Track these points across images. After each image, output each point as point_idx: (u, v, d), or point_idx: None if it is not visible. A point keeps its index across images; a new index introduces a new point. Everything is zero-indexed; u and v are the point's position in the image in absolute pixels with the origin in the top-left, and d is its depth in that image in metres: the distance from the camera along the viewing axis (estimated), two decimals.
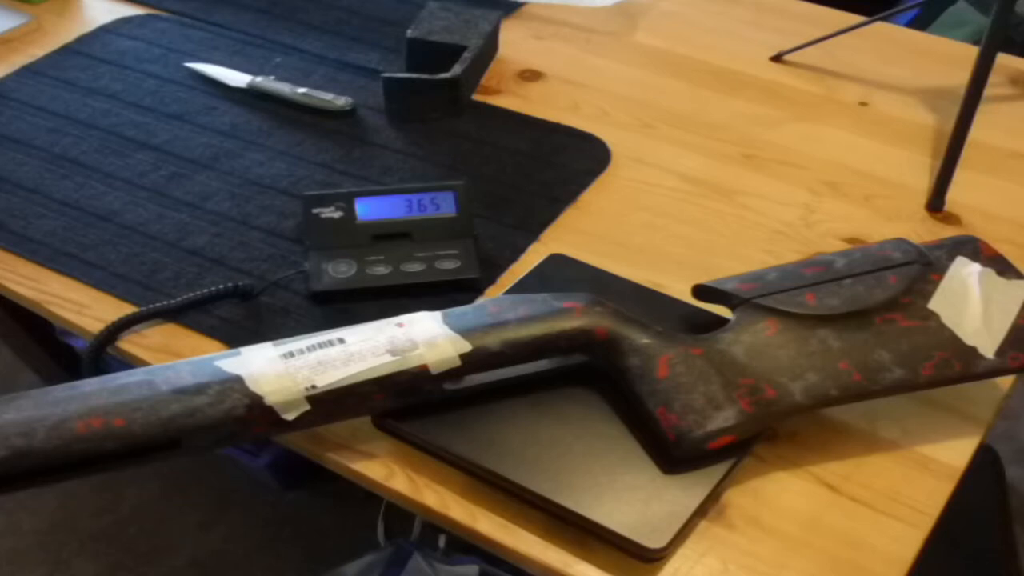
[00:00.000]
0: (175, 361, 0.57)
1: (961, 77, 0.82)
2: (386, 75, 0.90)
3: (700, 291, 0.66)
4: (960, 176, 0.81)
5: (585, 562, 0.56)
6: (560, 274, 0.71)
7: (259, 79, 0.93)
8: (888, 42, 1.01)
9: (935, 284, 0.63)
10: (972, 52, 0.84)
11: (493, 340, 0.59)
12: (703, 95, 0.93)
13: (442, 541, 1.17)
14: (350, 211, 0.74)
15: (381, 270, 0.72)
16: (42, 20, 1.05)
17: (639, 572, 0.55)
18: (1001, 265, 0.65)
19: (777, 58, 0.98)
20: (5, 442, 0.52)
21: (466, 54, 0.91)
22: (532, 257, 0.75)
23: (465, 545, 1.09)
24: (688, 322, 0.66)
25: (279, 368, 0.56)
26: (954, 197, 0.81)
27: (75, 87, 0.94)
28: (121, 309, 0.71)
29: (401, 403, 0.60)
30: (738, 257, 0.76)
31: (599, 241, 0.77)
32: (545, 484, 0.57)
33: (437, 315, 0.60)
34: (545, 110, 0.91)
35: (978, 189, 0.82)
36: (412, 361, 0.58)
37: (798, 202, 0.81)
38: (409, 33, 0.94)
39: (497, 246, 0.76)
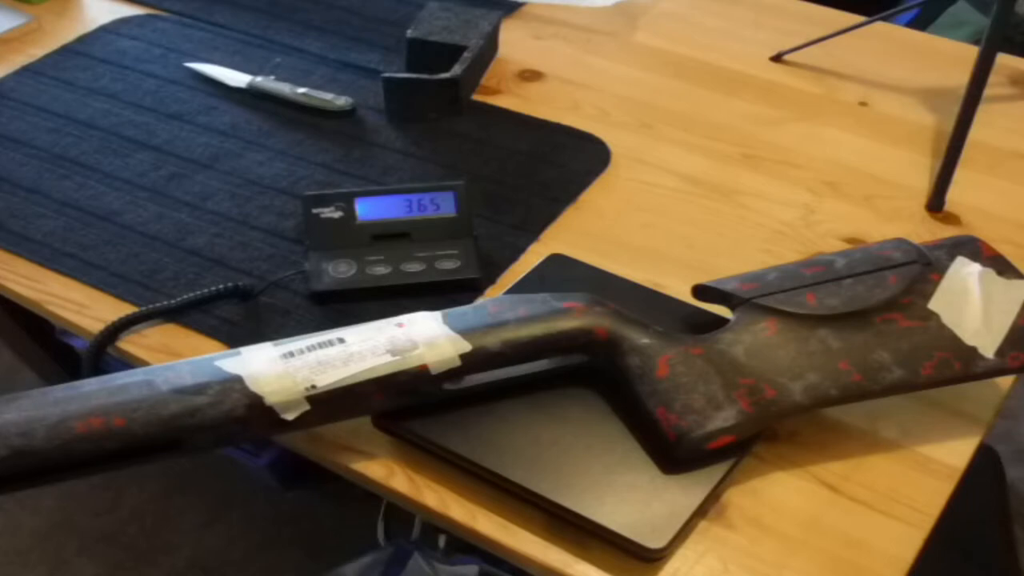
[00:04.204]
0: (175, 361, 0.57)
1: (961, 77, 0.82)
2: (386, 75, 0.90)
3: (700, 291, 0.66)
4: (960, 176, 0.81)
5: (585, 562, 0.56)
6: (560, 274, 0.71)
7: (259, 79, 0.93)
8: (888, 42, 1.01)
9: (935, 284, 0.63)
10: (972, 52, 0.84)
11: (493, 340, 0.59)
12: (703, 95, 0.93)
13: (442, 541, 1.17)
14: (350, 211, 0.74)
15: (381, 270, 0.72)
16: (42, 20, 1.05)
17: (639, 572, 0.55)
18: (1001, 265, 0.65)
19: (777, 58, 0.98)
20: (5, 442, 0.52)
21: (466, 54, 0.91)
22: (532, 257, 0.75)
23: (465, 545, 1.09)
24: (688, 322, 0.66)
25: (279, 368, 0.56)
26: (954, 197, 0.81)
27: (75, 87, 0.94)
28: (121, 309, 0.71)
29: (401, 403, 0.60)
30: (738, 257, 0.76)
31: (599, 241, 0.77)
32: (545, 484, 0.57)
33: (437, 315, 0.60)
34: (545, 110, 0.91)
35: (978, 189, 0.82)
36: (412, 361, 0.58)
37: (798, 202, 0.81)
38: (409, 33, 0.94)
39: (497, 246, 0.76)
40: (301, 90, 0.91)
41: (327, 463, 0.63)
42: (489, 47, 0.96)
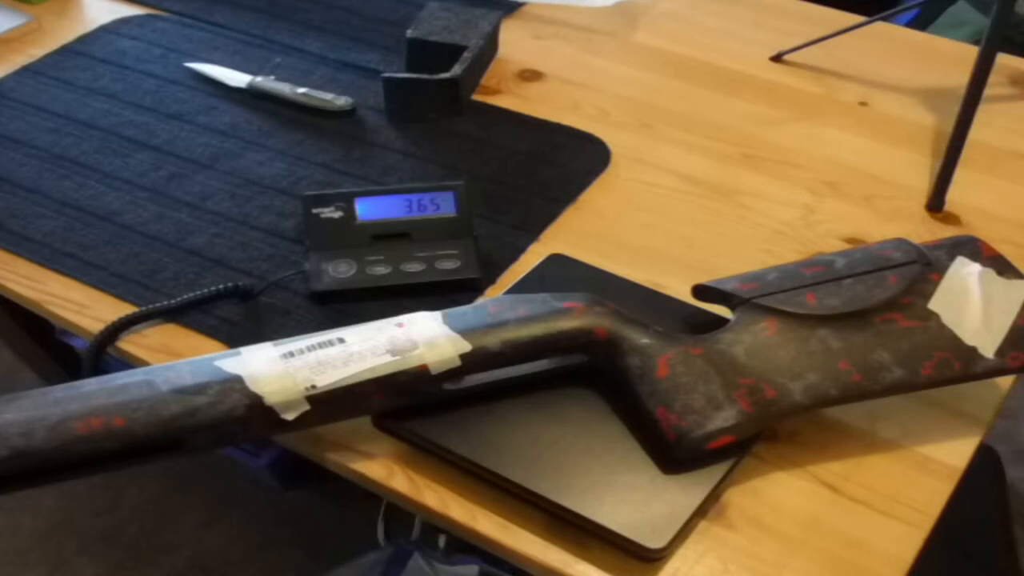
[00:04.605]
0: (175, 361, 0.57)
1: (961, 77, 0.82)
2: (386, 75, 0.90)
3: (700, 291, 0.66)
4: (960, 176, 0.81)
5: (585, 562, 0.56)
6: (560, 274, 0.71)
7: (259, 79, 0.93)
8: (888, 42, 1.01)
9: (935, 284, 0.63)
10: (972, 52, 0.84)
11: (493, 340, 0.59)
12: (703, 95, 0.93)
13: (442, 541, 1.17)
14: (350, 211, 0.74)
15: (381, 270, 0.72)
16: (42, 20, 1.05)
17: (639, 572, 0.55)
18: (1001, 265, 0.65)
19: (777, 58, 0.98)
20: (5, 442, 0.52)
21: (466, 54, 0.91)
22: (532, 257, 0.75)
23: (465, 545, 1.09)
24: (688, 322, 0.66)
25: (279, 368, 0.56)
26: (954, 197, 0.81)
27: (75, 87, 0.94)
28: (121, 309, 0.71)
29: (401, 403, 0.60)
30: (738, 257, 0.76)
31: (599, 241, 0.77)
32: (545, 484, 0.57)
33: (437, 315, 0.60)
34: (545, 110, 0.91)
35: (978, 189, 0.82)
36: (412, 361, 0.58)
37: (798, 202, 0.81)
38: (409, 33, 0.94)
39: (497, 246, 0.76)
40: (301, 90, 0.91)
41: (327, 463, 0.63)
42: (489, 47, 0.96)
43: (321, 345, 0.58)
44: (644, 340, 0.60)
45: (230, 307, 0.71)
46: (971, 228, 0.78)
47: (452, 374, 0.59)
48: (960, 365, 0.61)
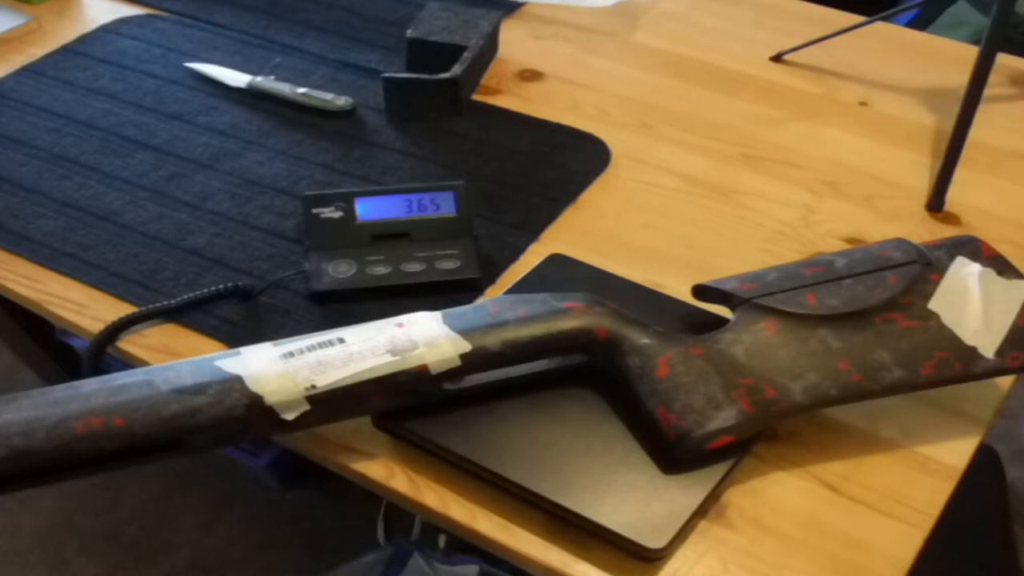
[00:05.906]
0: (175, 361, 0.57)
1: (961, 77, 0.82)
2: (386, 75, 0.90)
3: (700, 291, 0.66)
4: (960, 176, 0.81)
5: (585, 562, 0.56)
6: (560, 274, 0.71)
7: (259, 79, 0.93)
8: (888, 42, 1.01)
9: (935, 284, 0.63)
10: (972, 52, 0.84)
11: (493, 340, 0.59)
12: (703, 95, 0.93)
13: (442, 541, 1.17)
14: (350, 211, 0.74)
15: (381, 270, 0.72)
16: (42, 20, 1.05)
17: (639, 572, 0.55)
18: (1001, 265, 0.65)
19: (777, 58, 0.98)
20: (5, 442, 0.52)
21: (466, 54, 0.91)
22: (532, 257, 0.75)
23: (465, 545, 1.09)
24: (688, 322, 0.66)
25: (279, 368, 0.56)
26: (954, 197, 0.81)
27: (75, 87, 0.94)
28: (121, 309, 0.71)
29: (401, 403, 0.60)
30: (738, 257, 0.76)
31: (599, 241, 0.77)
32: (545, 484, 0.57)
33: (437, 315, 0.60)
34: (545, 110, 0.91)
35: (978, 189, 0.82)
36: (412, 361, 0.58)
37: (798, 202, 0.81)
38: (409, 33, 0.94)
39: (497, 246, 0.76)
40: (301, 90, 0.91)
41: (327, 463, 0.63)
42: (489, 47, 0.96)
43: (321, 345, 0.58)
44: (644, 340, 0.60)
45: (230, 307, 0.71)
46: (971, 228, 0.79)
47: (452, 374, 0.59)
48: (960, 365, 0.61)
